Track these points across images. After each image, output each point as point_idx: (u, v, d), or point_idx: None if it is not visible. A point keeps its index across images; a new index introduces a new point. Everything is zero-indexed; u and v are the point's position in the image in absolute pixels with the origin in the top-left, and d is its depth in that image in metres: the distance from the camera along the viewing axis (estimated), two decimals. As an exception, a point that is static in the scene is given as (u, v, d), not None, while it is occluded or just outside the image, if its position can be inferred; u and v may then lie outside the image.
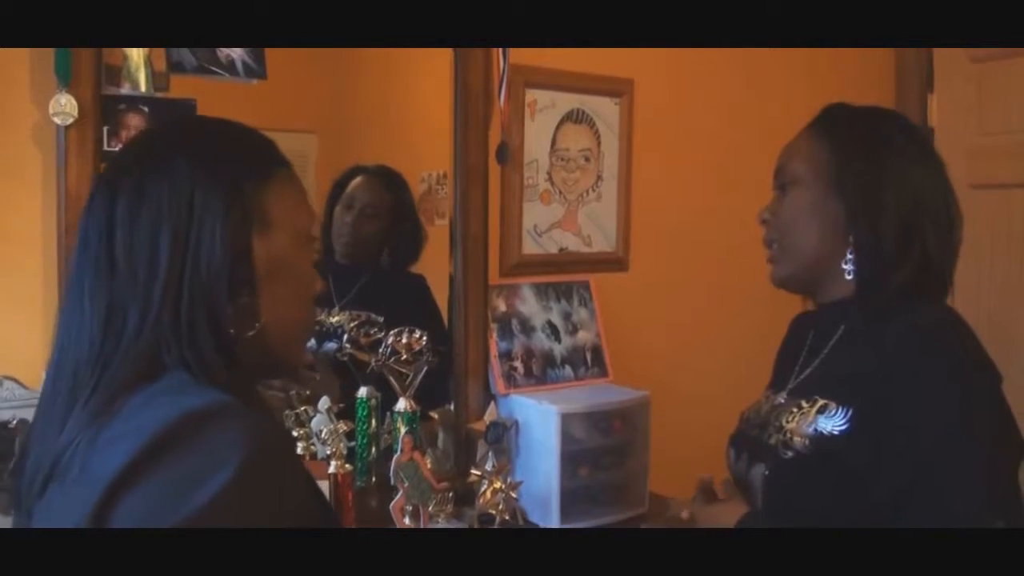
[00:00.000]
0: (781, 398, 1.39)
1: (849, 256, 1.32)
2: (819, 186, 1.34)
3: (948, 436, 1.16)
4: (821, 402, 1.29)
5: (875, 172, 1.30)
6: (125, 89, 1.61)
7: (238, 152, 0.98)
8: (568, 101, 2.23)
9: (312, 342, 1.99)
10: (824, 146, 1.35)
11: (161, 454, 0.77)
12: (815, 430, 1.27)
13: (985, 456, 1.17)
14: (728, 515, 1.35)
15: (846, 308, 1.34)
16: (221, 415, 0.82)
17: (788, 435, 1.31)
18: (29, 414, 1.54)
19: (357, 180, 2.08)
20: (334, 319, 2.01)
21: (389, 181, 2.10)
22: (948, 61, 2.81)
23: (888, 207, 1.28)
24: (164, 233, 0.89)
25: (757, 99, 2.59)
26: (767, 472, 1.33)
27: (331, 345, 2.00)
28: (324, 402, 1.83)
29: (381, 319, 2.01)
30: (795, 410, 1.33)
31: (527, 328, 2.12)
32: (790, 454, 1.29)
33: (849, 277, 1.33)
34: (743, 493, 1.41)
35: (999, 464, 1.17)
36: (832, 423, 1.25)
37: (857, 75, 2.75)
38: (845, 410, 1.25)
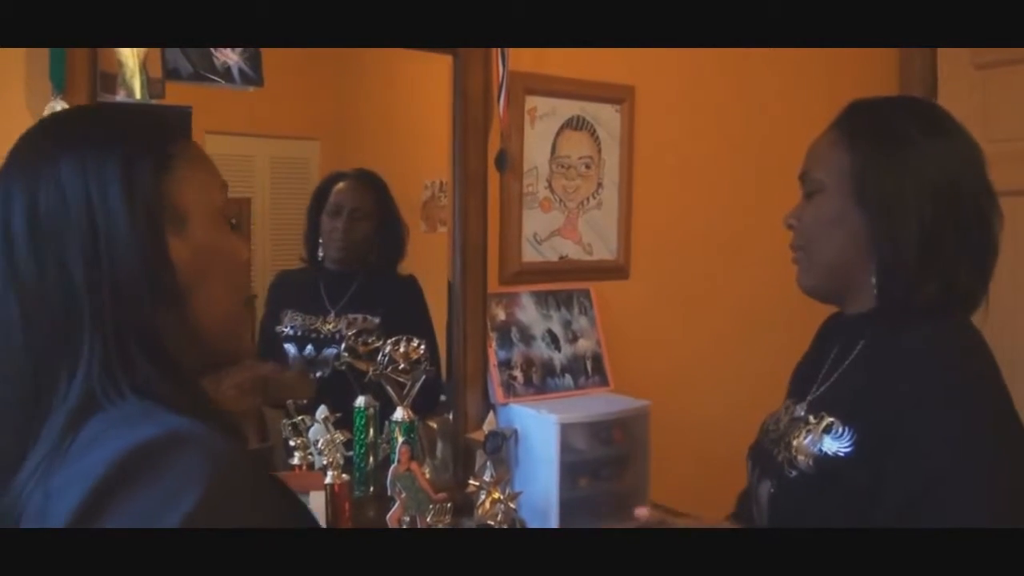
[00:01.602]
0: (801, 410, 1.35)
1: (873, 268, 1.28)
2: (841, 196, 1.29)
3: (951, 460, 1.13)
4: (828, 420, 1.26)
5: (896, 181, 1.24)
6: (120, 96, 1.60)
7: (127, 139, 0.86)
8: (568, 108, 2.22)
9: (310, 349, 1.99)
10: (845, 151, 1.29)
11: (114, 495, 0.72)
12: (820, 450, 1.24)
13: (989, 482, 1.12)
14: None
15: (869, 321, 1.30)
16: (173, 444, 0.75)
17: (793, 453, 1.28)
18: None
19: (339, 185, 2.07)
20: (330, 325, 2.00)
21: (370, 182, 2.09)
22: (952, 68, 2.79)
23: (909, 222, 1.23)
24: (72, 259, 0.81)
25: (759, 106, 2.57)
26: (772, 490, 1.32)
27: (330, 351, 1.98)
28: (321, 411, 1.82)
29: (377, 320, 2.00)
30: (803, 426, 1.30)
31: (527, 337, 2.10)
32: (794, 473, 1.27)
33: (874, 292, 1.29)
34: (755, 506, 1.39)
35: (1005, 490, 1.13)
36: (838, 444, 1.23)
37: (860, 82, 2.74)
38: (851, 430, 1.22)
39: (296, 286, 2.08)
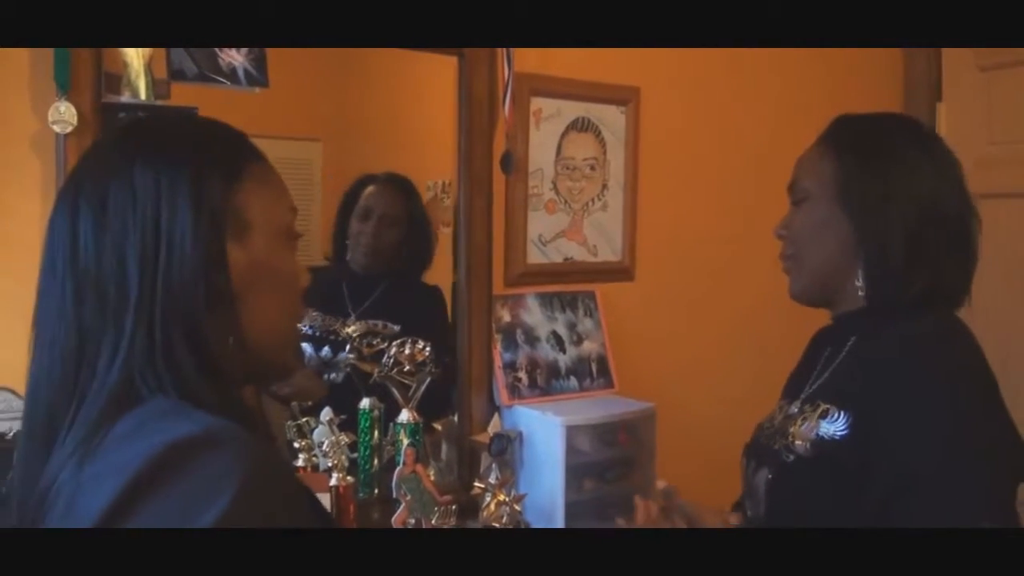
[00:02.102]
0: (795, 407, 1.40)
1: (860, 272, 1.33)
2: (827, 203, 1.35)
3: (938, 442, 1.18)
4: (824, 407, 1.31)
5: (881, 188, 1.30)
6: (125, 97, 1.60)
7: (203, 153, 0.90)
8: (573, 109, 2.22)
9: (327, 350, 1.98)
10: (832, 161, 1.36)
11: (148, 490, 0.73)
12: (817, 434, 1.29)
13: (975, 461, 1.17)
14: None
15: (858, 319, 1.35)
16: (209, 443, 0.76)
17: (791, 439, 1.33)
18: (26, 425, 1.53)
19: (370, 189, 2.06)
20: (350, 328, 1.99)
21: (401, 187, 2.08)
22: (956, 70, 2.79)
23: (895, 223, 1.29)
24: (131, 252, 0.84)
25: (764, 107, 2.57)
26: (770, 476, 1.35)
27: (345, 355, 1.98)
28: (326, 413, 1.81)
29: (397, 328, 1.99)
30: (799, 415, 1.35)
31: (531, 338, 2.10)
32: (792, 457, 1.32)
33: (861, 293, 1.34)
34: (747, 499, 1.43)
35: (991, 469, 1.18)
36: (833, 427, 1.27)
37: (866, 84, 2.73)
38: (846, 415, 1.27)
39: (319, 284, 2.07)
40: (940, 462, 1.17)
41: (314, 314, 2.00)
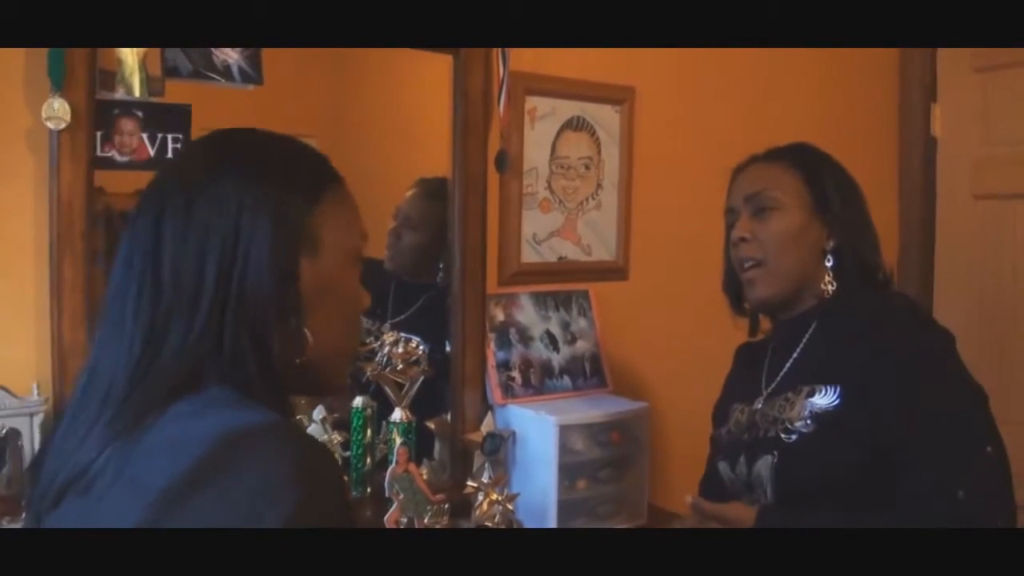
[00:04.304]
0: (757, 404, 1.51)
1: (828, 266, 1.48)
2: (802, 213, 1.48)
3: (928, 386, 1.32)
4: (808, 388, 1.41)
5: (844, 195, 1.49)
6: (119, 94, 1.59)
7: (287, 172, 0.95)
8: (568, 108, 2.22)
9: None
10: (799, 177, 1.50)
11: (222, 466, 0.77)
12: (812, 411, 1.39)
13: (960, 393, 1.33)
14: (740, 516, 1.38)
15: (812, 314, 1.49)
16: (276, 435, 0.81)
17: (787, 423, 1.41)
18: (20, 423, 1.53)
19: (411, 191, 2.07)
20: (385, 337, 1.97)
21: (437, 193, 2.06)
22: (952, 71, 2.80)
23: (861, 231, 1.49)
24: (211, 257, 0.88)
25: (759, 107, 2.57)
26: (775, 460, 1.42)
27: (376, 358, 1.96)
28: (319, 411, 1.81)
29: (426, 347, 1.97)
30: (784, 403, 1.44)
31: (525, 338, 2.10)
32: (794, 437, 1.40)
33: (831, 288, 1.48)
34: (745, 494, 1.48)
35: (972, 398, 1.33)
36: (826, 401, 1.38)
37: (861, 85, 2.74)
38: (834, 388, 1.38)
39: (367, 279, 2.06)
40: (937, 398, 1.31)
41: None
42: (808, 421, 1.38)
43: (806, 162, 1.52)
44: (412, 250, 2.08)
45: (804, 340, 1.49)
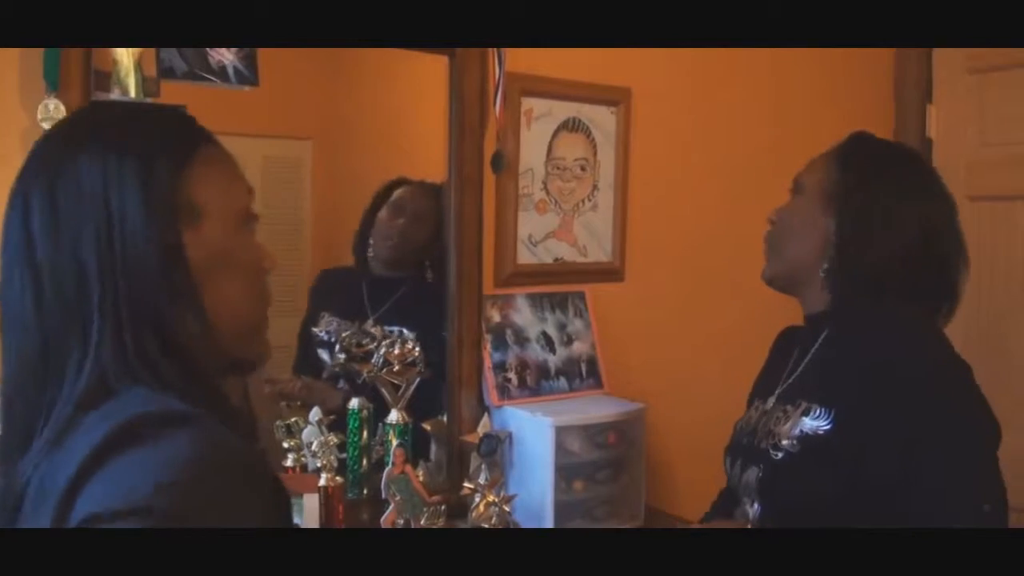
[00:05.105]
0: (769, 404, 1.48)
1: (824, 267, 1.42)
2: (818, 200, 1.43)
3: (925, 420, 1.25)
4: (804, 405, 1.37)
5: (868, 203, 1.39)
6: (114, 94, 1.59)
7: (149, 139, 0.87)
8: (564, 109, 2.21)
9: (342, 356, 1.95)
10: (834, 167, 1.44)
11: (107, 458, 0.73)
12: (801, 431, 1.35)
13: (964, 438, 1.25)
14: None
15: (828, 316, 1.44)
16: (166, 422, 0.76)
17: (777, 438, 1.39)
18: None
19: (403, 188, 2.06)
20: (375, 330, 1.96)
21: (434, 192, 2.07)
22: (947, 72, 2.80)
23: (872, 234, 1.37)
24: (87, 248, 0.83)
25: (755, 109, 2.57)
26: (761, 473, 1.41)
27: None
28: (315, 413, 1.81)
29: (413, 335, 1.96)
30: (781, 415, 1.41)
31: (521, 339, 2.10)
32: (780, 455, 1.37)
33: (828, 294, 1.42)
34: (740, 498, 1.48)
35: (980, 446, 1.26)
36: (816, 423, 1.34)
37: (857, 86, 2.74)
38: (827, 410, 1.33)
39: (337, 287, 2.06)
40: (935, 439, 1.23)
41: (330, 318, 1.99)
42: (795, 441, 1.35)
43: (852, 153, 1.46)
44: (417, 244, 2.08)
45: (815, 347, 1.44)
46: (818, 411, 1.34)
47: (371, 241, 2.04)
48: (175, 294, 0.85)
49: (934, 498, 1.21)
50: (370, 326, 1.97)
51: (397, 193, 2.06)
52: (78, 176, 0.84)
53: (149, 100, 1.61)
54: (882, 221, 1.37)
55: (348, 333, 1.94)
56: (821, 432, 1.32)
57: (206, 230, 0.89)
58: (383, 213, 2.05)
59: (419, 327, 1.99)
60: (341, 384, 1.97)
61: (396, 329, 1.97)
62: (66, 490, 0.73)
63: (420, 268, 2.09)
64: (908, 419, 1.25)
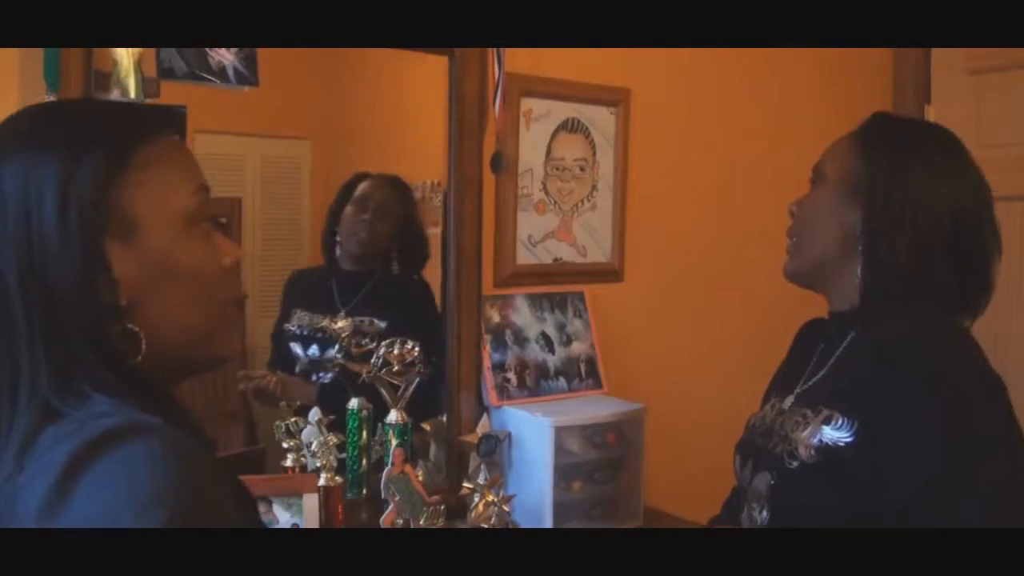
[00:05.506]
0: (787, 403, 1.39)
1: (859, 266, 1.32)
2: (842, 190, 1.34)
3: (952, 445, 1.15)
4: (826, 412, 1.27)
5: (898, 190, 1.28)
6: (114, 95, 1.58)
7: (77, 139, 0.80)
8: (564, 110, 2.22)
9: (315, 349, 1.97)
10: (857, 153, 1.35)
11: (73, 485, 0.69)
12: (820, 440, 1.26)
13: (991, 464, 1.15)
14: None
15: (857, 317, 1.34)
16: (132, 433, 0.72)
17: (794, 445, 1.29)
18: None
19: (367, 182, 2.06)
20: (338, 325, 1.98)
21: (398, 185, 2.09)
22: (945, 73, 2.80)
23: (903, 226, 1.27)
24: (8, 267, 0.76)
25: (754, 108, 2.57)
26: (773, 481, 1.33)
27: (334, 355, 1.97)
28: (315, 413, 1.81)
29: (383, 324, 1.98)
30: (800, 420, 1.31)
31: (521, 339, 2.10)
32: (795, 464, 1.28)
33: (859, 286, 1.32)
34: (748, 501, 1.41)
35: (1006, 472, 1.15)
36: (838, 434, 1.24)
37: (855, 86, 2.74)
38: (850, 421, 1.23)
39: (308, 285, 2.06)
40: (958, 463, 1.14)
41: (302, 314, 2.00)
42: (813, 452, 1.25)
43: (875, 139, 1.35)
44: (384, 237, 2.08)
45: (841, 348, 1.34)
46: (840, 421, 1.24)
47: (338, 238, 2.05)
48: (102, 312, 0.79)
49: (954, 523, 1.11)
50: (340, 318, 1.99)
51: (360, 188, 2.06)
52: (3, 182, 0.78)
53: (150, 101, 1.61)
54: (912, 211, 1.27)
55: (347, 333, 1.95)
56: (842, 444, 1.22)
57: (143, 242, 0.82)
58: (348, 209, 2.05)
59: (388, 318, 2.00)
60: (314, 378, 1.98)
61: (366, 319, 1.99)
62: (39, 516, 0.70)
63: (387, 261, 2.09)
64: (930, 445, 1.15)
